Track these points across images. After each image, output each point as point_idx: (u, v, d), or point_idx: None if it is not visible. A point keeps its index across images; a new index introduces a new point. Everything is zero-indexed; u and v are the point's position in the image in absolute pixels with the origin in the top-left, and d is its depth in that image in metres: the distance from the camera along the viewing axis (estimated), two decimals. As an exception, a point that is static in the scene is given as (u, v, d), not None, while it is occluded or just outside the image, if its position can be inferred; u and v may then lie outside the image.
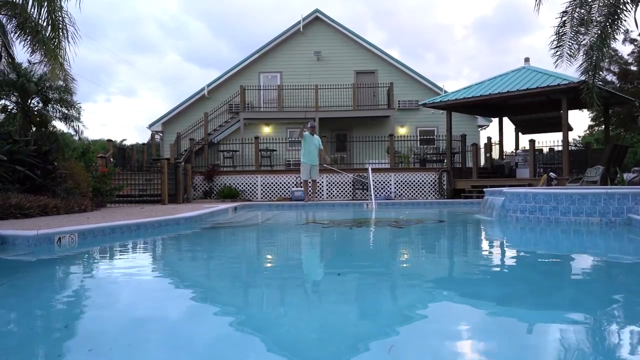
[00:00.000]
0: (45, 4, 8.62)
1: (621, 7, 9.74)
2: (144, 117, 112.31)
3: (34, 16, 9.00)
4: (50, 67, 9.33)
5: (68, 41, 9.13)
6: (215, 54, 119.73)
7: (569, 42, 10.37)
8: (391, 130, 18.17)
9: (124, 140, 40.97)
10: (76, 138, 16.26)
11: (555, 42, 10.43)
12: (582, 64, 10.35)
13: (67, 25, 9.11)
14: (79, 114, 15.56)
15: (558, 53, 10.50)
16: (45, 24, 8.80)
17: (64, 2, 8.97)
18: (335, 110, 19.77)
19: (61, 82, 13.23)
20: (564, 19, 10.30)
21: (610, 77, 23.84)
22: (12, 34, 9.96)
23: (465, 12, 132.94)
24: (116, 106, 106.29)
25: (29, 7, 8.80)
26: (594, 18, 9.99)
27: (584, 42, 10.23)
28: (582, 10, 10.07)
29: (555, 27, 10.38)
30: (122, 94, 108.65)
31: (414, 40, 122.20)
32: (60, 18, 8.99)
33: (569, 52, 10.42)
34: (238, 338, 2.08)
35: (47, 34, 8.85)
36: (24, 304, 2.75)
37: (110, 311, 2.57)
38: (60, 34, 8.97)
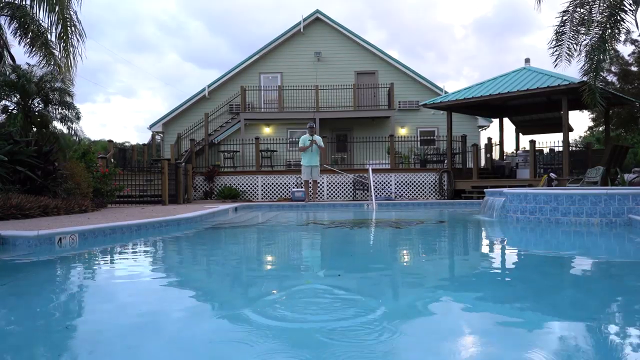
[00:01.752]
0: (48, 4, 8.62)
1: (621, 7, 9.74)
2: (144, 118, 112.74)
3: (37, 17, 9.02)
4: (53, 68, 9.36)
5: (78, 39, 9.16)
6: (215, 54, 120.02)
7: (568, 41, 10.38)
8: (391, 131, 18.17)
9: (126, 142, 40.88)
10: (75, 139, 16.23)
11: (554, 42, 10.45)
12: (583, 65, 10.36)
13: (76, 23, 9.15)
14: (78, 117, 15.55)
15: (557, 52, 10.52)
16: (54, 24, 8.80)
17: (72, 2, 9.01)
18: (336, 111, 19.78)
19: (59, 84, 13.25)
20: (563, 18, 10.31)
21: (610, 78, 23.84)
22: (13, 35, 9.98)
23: (465, 12, 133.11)
24: (116, 106, 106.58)
25: (35, 9, 8.82)
26: (594, 18, 10.00)
27: (584, 42, 10.24)
28: (583, 10, 10.09)
29: (555, 27, 10.41)
30: (122, 94, 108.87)
31: (414, 40, 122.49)
32: (69, 17, 9.01)
33: (567, 51, 10.44)
34: (238, 338, 2.08)
35: (54, 35, 8.87)
36: (24, 304, 2.75)
37: (110, 312, 2.57)
38: (70, 32, 8.99)
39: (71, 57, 9.29)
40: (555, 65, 10.68)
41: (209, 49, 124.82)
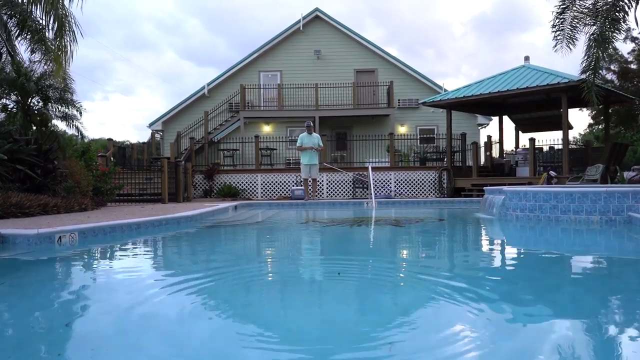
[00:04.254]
0: (45, 3, 8.60)
1: (621, 4, 9.72)
2: (142, 116, 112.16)
3: (34, 15, 9.00)
4: (51, 66, 9.34)
5: (71, 41, 9.12)
6: (213, 52, 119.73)
7: (569, 27, 10.40)
8: (391, 129, 18.17)
9: (126, 141, 40.69)
10: (78, 137, 16.15)
11: (556, 27, 10.46)
12: (582, 61, 10.35)
13: (72, 24, 9.11)
14: (80, 113, 15.47)
15: (559, 37, 10.51)
16: (51, 22, 8.78)
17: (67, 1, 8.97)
18: (336, 109, 19.77)
19: (60, 80, 13.21)
20: (563, 7, 10.34)
21: (610, 76, 23.80)
22: (13, 32, 9.96)
23: (464, 9, 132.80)
24: (114, 104, 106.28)
25: (30, 6, 8.80)
26: (598, 7, 9.98)
27: (584, 31, 10.25)
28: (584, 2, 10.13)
29: (555, 14, 10.44)
30: (120, 92, 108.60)
31: (413, 38, 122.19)
32: (64, 17, 8.98)
33: (568, 38, 10.44)
34: (238, 336, 2.08)
35: (51, 34, 8.84)
36: (24, 302, 2.75)
37: (110, 310, 2.57)
38: (64, 33, 8.96)
39: (64, 56, 9.24)
40: (555, 49, 10.64)
41: (207, 47, 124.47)
